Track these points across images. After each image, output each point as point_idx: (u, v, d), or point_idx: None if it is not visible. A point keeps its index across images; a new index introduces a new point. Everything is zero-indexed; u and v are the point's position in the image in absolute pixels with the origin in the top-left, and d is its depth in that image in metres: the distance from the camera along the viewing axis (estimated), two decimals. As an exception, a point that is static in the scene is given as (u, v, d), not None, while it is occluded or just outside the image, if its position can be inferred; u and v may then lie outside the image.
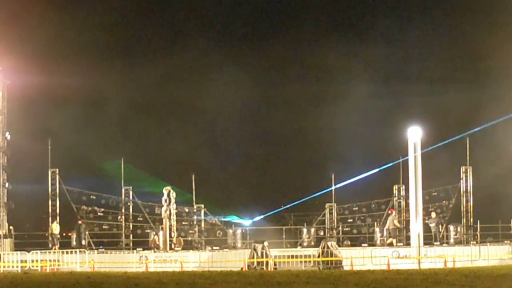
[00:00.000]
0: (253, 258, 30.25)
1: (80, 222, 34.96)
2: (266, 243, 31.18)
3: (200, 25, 45.70)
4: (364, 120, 43.27)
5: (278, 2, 49.65)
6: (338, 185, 37.88)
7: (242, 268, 29.41)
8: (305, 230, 35.89)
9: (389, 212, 35.21)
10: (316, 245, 33.43)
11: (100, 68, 41.36)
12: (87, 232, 34.74)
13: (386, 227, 34.50)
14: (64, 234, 36.05)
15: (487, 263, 30.17)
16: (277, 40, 44.67)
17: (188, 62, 43.38)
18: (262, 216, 38.87)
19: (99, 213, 36.34)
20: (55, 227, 34.47)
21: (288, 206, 39.12)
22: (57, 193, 35.31)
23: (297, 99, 45.04)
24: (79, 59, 41.55)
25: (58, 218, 34.87)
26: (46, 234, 34.76)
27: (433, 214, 34.31)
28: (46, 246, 34.26)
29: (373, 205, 37.79)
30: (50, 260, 30.60)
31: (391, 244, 33.38)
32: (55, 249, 32.75)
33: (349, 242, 35.53)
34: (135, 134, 44.02)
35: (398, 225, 34.49)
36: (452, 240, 34.04)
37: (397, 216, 35.19)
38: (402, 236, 35.13)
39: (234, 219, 38.76)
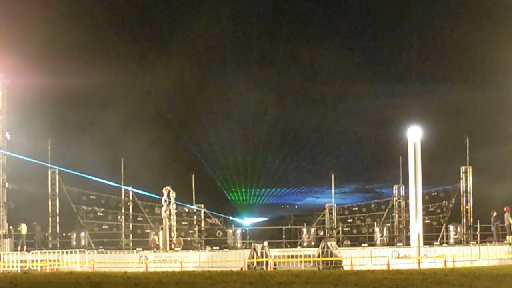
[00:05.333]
0: (253, 258, 30.22)
1: (34, 223, 34.72)
2: (266, 243, 31.18)
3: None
4: (364, 120, 43.36)
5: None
6: (338, 185, 37.93)
7: (242, 268, 29.39)
8: (305, 230, 35.87)
9: (505, 210, 33.41)
10: (316, 245, 33.43)
11: (100, 68, 41.37)
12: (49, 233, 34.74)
13: (506, 224, 33.22)
14: (64, 234, 36.08)
15: (487, 263, 30.13)
16: (276, 37, 44.71)
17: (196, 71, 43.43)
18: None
19: (99, 213, 36.33)
20: (23, 228, 33.99)
21: (288, 206, 39.15)
22: (57, 193, 35.33)
23: (296, 99, 45.07)
24: (79, 59, 41.57)
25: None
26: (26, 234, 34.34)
27: (495, 213, 33.57)
28: (46, 246, 34.31)
29: (373, 205, 37.83)
30: (50, 260, 30.56)
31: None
32: (20, 249, 32.35)
33: (349, 242, 35.51)
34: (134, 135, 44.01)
35: (509, 222, 33.04)
36: (452, 240, 34.04)
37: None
38: None
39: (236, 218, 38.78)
